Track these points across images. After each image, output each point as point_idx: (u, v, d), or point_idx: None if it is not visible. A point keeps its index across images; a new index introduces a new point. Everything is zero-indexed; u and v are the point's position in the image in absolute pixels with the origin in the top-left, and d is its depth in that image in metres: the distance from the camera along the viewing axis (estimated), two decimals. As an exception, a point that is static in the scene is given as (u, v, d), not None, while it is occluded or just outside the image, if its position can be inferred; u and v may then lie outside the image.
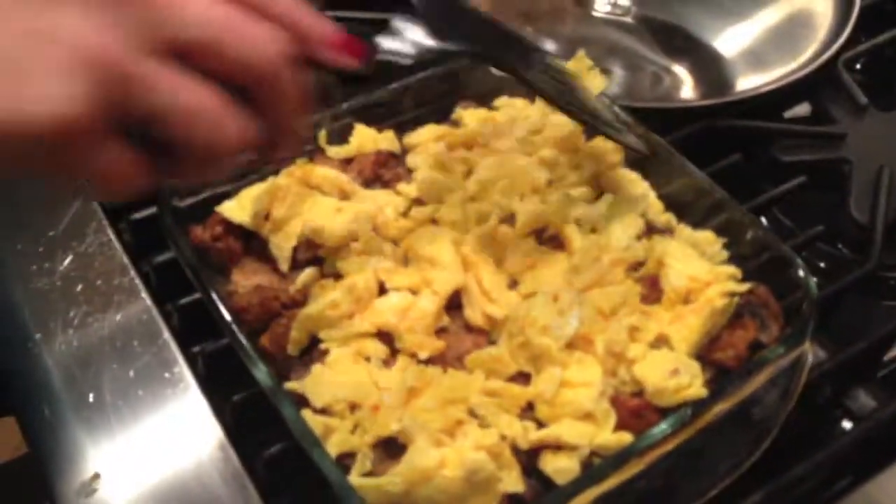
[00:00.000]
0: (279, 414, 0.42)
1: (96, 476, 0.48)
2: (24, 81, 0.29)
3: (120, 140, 0.32)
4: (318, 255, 0.49)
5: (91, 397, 0.51)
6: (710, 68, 0.75)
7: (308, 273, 0.47)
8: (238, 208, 0.51)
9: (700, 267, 0.48)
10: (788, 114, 0.72)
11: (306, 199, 0.49)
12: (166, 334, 0.53)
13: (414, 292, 0.46)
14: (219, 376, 0.51)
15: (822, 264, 0.65)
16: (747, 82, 0.71)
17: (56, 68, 0.29)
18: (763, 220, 0.67)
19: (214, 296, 0.45)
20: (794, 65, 0.70)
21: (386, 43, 0.43)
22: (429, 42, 0.44)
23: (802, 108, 0.73)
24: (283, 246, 0.49)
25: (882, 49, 0.75)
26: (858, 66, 0.78)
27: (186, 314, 0.54)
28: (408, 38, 0.43)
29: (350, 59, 0.39)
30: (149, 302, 0.55)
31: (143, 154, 0.33)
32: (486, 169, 0.51)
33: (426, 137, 0.54)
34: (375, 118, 0.58)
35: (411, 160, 0.53)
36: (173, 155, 0.33)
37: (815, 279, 0.47)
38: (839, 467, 0.50)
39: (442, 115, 0.58)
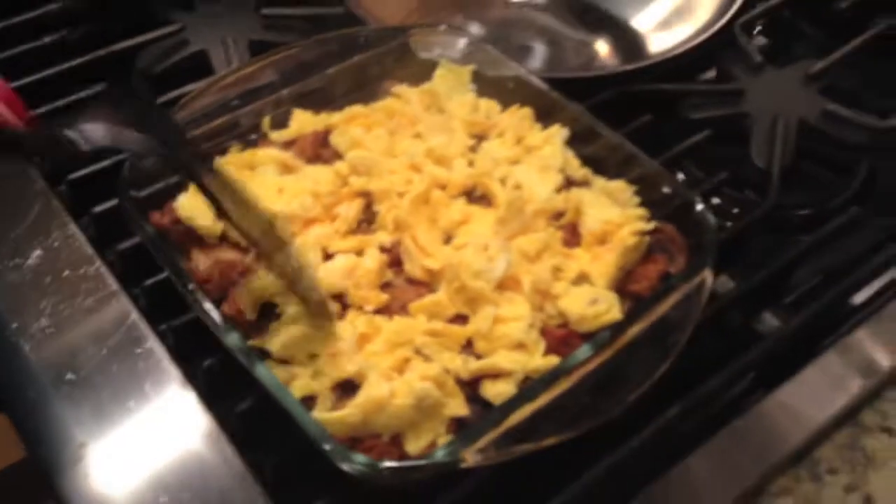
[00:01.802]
0: (247, 371, 0.47)
1: (82, 445, 0.52)
2: None
3: None
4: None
5: (69, 375, 0.55)
6: (622, 39, 0.81)
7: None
8: (192, 203, 0.55)
9: (613, 212, 0.53)
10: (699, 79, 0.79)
11: (250, 182, 0.54)
12: (134, 314, 0.58)
13: (358, 254, 0.51)
14: (187, 347, 0.56)
15: (735, 210, 0.72)
16: (655, 49, 0.78)
17: None
18: (679, 173, 0.74)
19: (179, 268, 0.49)
20: (695, 31, 0.77)
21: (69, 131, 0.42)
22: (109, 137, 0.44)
23: (711, 75, 0.80)
24: (237, 225, 0.54)
25: (776, 11, 0.82)
26: (758, 30, 0.85)
27: (152, 294, 0.58)
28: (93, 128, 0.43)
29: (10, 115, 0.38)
30: (115, 287, 0.59)
31: None
32: (412, 145, 0.56)
33: (342, 118, 0.59)
34: (313, 103, 0.63)
35: (334, 140, 0.58)
36: None
37: (712, 214, 0.53)
38: (748, 378, 0.56)
39: (371, 96, 0.63)
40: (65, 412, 0.54)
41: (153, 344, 0.56)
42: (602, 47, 0.80)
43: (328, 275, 0.50)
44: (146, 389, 0.55)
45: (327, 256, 0.52)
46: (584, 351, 0.46)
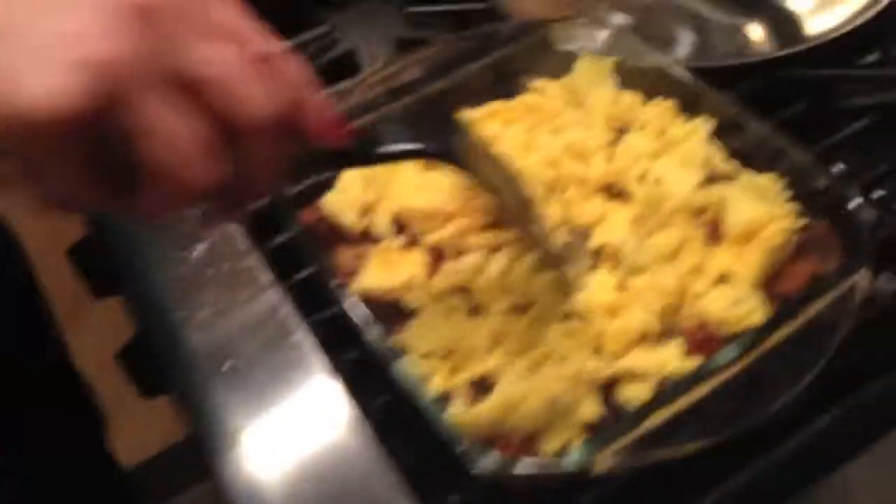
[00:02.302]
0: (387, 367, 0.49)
1: (237, 429, 0.56)
2: (20, 65, 0.29)
3: (91, 152, 0.32)
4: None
5: (226, 366, 0.59)
6: (775, 22, 0.77)
7: (399, 240, 0.54)
8: (339, 199, 0.57)
9: (758, 208, 0.51)
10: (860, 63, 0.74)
11: (393, 180, 0.56)
12: (286, 307, 0.61)
13: (493, 251, 0.51)
14: (334, 340, 0.58)
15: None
16: (811, 32, 0.74)
17: (58, 60, 0.29)
18: (839, 165, 0.70)
19: (324, 264, 0.52)
20: (855, 11, 0.72)
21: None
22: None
23: (875, 57, 0.75)
24: (380, 225, 0.56)
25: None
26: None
27: (302, 289, 0.61)
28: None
29: (337, 139, 0.38)
30: (269, 280, 0.62)
31: (104, 175, 0.33)
32: (550, 140, 0.56)
33: (482, 115, 0.59)
34: (455, 100, 0.64)
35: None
36: (129, 183, 0.33)
37: (871, 209, 0.50)
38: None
39: (512, 91, 0.64)
40: (222, 398, 0.57)
41: (302, 335, 0.59)
42: (754, 31, 0.77)
43: (457, 270, 0.51)
44: (295, 379, 0.58)
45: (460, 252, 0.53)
46: (725, 354, 0.45)
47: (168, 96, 0.32)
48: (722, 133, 0.58)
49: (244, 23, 0.36)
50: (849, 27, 0.69)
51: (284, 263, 0.63)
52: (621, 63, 0.63)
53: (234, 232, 0.65)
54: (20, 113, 0.29)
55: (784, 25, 0.76)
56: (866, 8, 0.71)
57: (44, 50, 0.30)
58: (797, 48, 0.70)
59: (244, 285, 0.63)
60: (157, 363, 0.63)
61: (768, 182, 0.53)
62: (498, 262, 0.50)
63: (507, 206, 0.49)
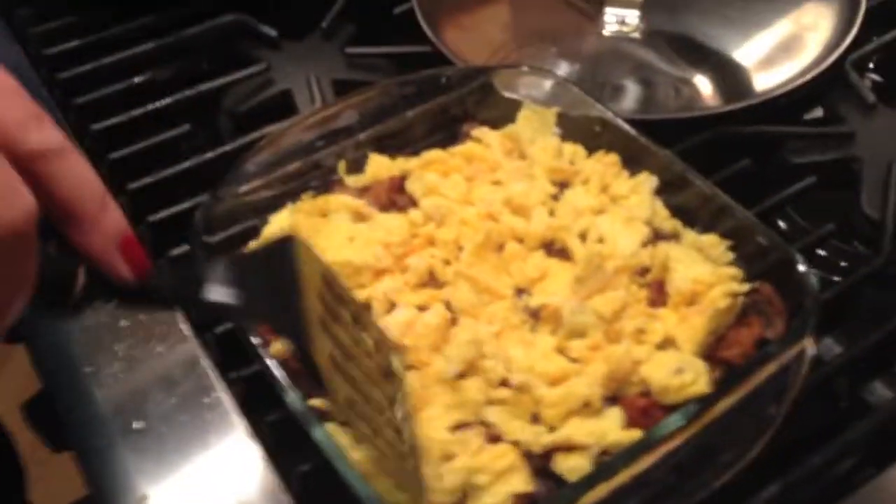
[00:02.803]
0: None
1: (143, 497, 0.51)
2: None
3: None
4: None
5: (136, 424, 0.54)
6: (722, 76, 0.76)
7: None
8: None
9: (703, 269, 0.49)
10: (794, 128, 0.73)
11: (322, 229, 0.52)
12: (204, 362, 0.57)
13: (422, 309, 0.48)
14: (256, 399, 0.54)
15: (842, 264, 0.66)
16: (758, 87, 0.73)
17: None
18: (780, 222, 0.69)
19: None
20: (801, 69, 0.72)
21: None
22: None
23: (817, 113, 0.75)
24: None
25: (892, 48, 0.76)
26: (871, 66, 0.79)
27: (223, 342, 0.57)
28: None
29: (125, 269, 0.34)
30: (187, 332, 0.58)
31: None
32: (490, 192, 0.53)
33: (419, 164, 0.57)
34: (392, 146, 0.61)
35: (409, 186, 0.56)
36: None
37: (816, 274, 0.48)
38: (856, 457, 0.51)
39: (452, 139, 0.61)
40: (129, 461, 0.53)
41: (222, 394, 0.55)
42: (700, 85, 0.76)
43: (388, 328, 0.48)
44: (211, 441, 0.53)
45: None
46: (668, 424, 0.42)
47: None
48: (665, 190, 0.56)
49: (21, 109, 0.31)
50: (795, 84, 0.69)
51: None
52: (564, 114, 0.61)
53: (153, 280, 0.61)
54: None
55: (731, 80, 0.75)
56: (813, 65, 0.70)
57: None
58: (743, 104, 0.69)
59: (160, 338, 0.59)
60: (63, 418, 0.58)
61: (712, 242, 0.51)
62: (434, 316, 0.47)
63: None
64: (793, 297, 0.49)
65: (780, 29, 0.78)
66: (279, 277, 0.40)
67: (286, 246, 0.41)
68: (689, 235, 0.53)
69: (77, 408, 0.57)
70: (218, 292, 0.38)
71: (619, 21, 0.79)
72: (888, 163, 0.65)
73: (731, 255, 0.52)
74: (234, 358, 0.56)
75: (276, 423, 0.52)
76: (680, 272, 0.49)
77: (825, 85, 0.71)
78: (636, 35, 0.80)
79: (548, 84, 0.63)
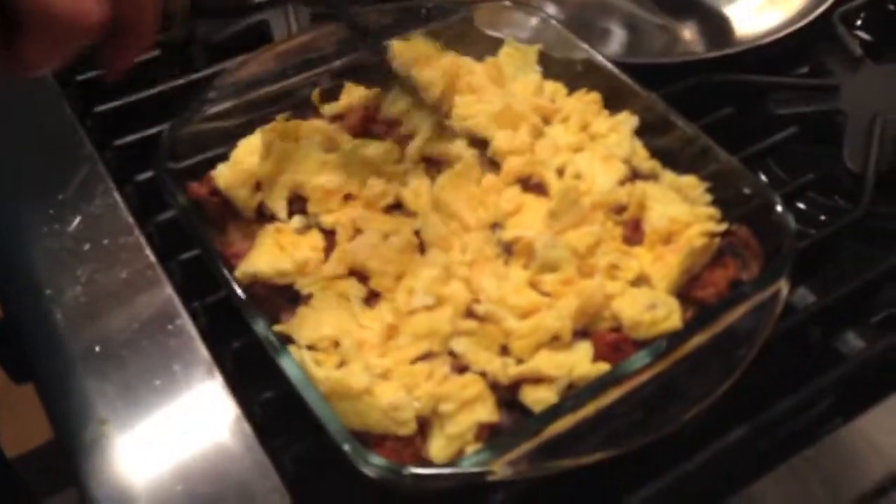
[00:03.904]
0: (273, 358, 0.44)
1: (104, 421, 0.50)
2: None
3: None
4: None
5: (98, 348, 0.53)
6: (708, 25, 0.75)
7: (296, 221, 0.49)
8: (231, 172, 0.52)
9: (681, 209, 0.49)
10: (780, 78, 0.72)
11: (293, 155, 0.51)
12: (169, 289, 0.55)
13: (392, 234, 0.47)
14: (219, 327, 0.53)
15: (821, 217, 0.65)
16: (744, 37, 0.72)
17: None
18: (760, 174, 0.68)
19: (210, 244, 0.47)
20: (787, 19, 0.71)
21: None
22: None
23: (803, 69, 0.74)
24: (275, 200, 0.51)
25: (880, 3, 0.75)
26: (859, 22, 0.78)
27: (188, 270, 0.56)
28: None
29: None
30: (152, 259, 0.57)
31: None
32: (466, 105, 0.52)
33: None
34: (368, 76, 0.59)
35: (384, 109, 0.55)
36: (20, 32, 0.32)
37: (794, 218, 0.48)
38: (825, 404, 0.50)
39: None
40: (90, 385, 0.52)
41: (185, 321, 0.54)
42: (686, 33, 0.75)
43: (353, 250, 0.46)
44: (174, 369, 0.52)
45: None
46: (637, 359, 0.42)
47: None
48: (646, 131, 0.55)
49: None
50: (779, 34, 0.68)
51: (171, 241, 0.58)
52: (546, 53, 0.60)
53: (117, 205, 0.60)
54: None
55: (716, 29, 0.74)
56: (799, 16, 0.69)
57: None
58: (728, 51, 0.68)
59: (123, 263, 0.57)
60: (23, 345, 0.57)
61: (691, 183, 0.50)
62: (400, 240, 0.46)
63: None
64: (770, 242, 0.48)
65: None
66: None
67: None
68: (668, 176, 0.52)
69: (38, 332, 0.56)
70: None
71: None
72: (871, 117, 0.64)
73: (709, 198, 0.51)
74: (196, 287, 0.55)
75: (238, 350, 0.51)
76: (657, 210, 0.48)
77: (812, 38, 0.70)
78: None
79: (531, 22, 0.61)
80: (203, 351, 0.52)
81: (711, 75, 0.66)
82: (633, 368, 0.41)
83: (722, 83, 0.67)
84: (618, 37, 0.74)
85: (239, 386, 0.50)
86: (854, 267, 0.59)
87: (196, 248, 0.54)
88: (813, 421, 0.51)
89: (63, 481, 1.31)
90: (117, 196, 0.60)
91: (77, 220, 0.59)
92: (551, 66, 0.60)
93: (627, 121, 0.54)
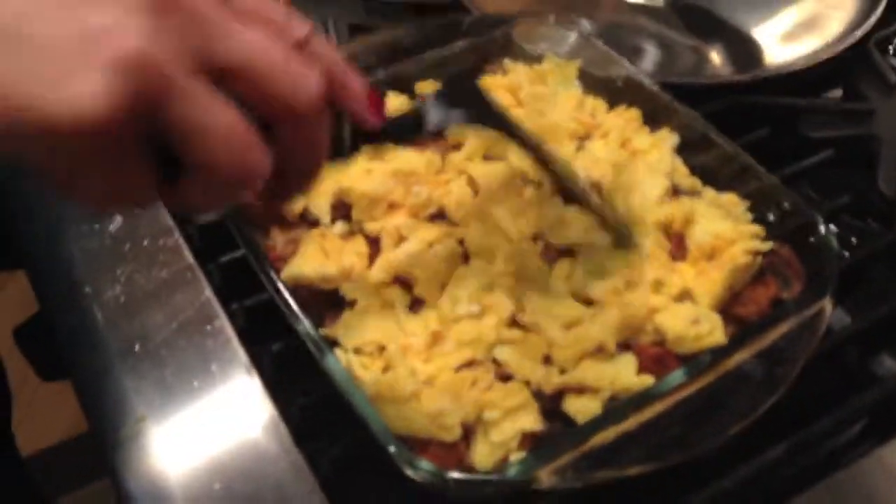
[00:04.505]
0: (315, 359, 0.44)
1: (142, 418, 0.50)
2: (50, 70, 0.28)
3: (138, 151, 0.30)
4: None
5: (137, 347, 0.54)
6: (740, 49, 0.76)
7: (339, 227, 0.49)
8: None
9: (725, 225, 0.49)
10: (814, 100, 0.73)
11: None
12: (208, 291, 0.56)
13: (437, 244, 0.48)
14: (257, 329, 0.54)
15: (853, 239, 0.66)
16: (778, 62, 0.72)
17: (90, 63, 0.28)
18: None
19: (256, 246, 0.47)
20: (823, 45, 0.71)
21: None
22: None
23: (836, 93, 0.74)
24: (319, 205, 0.51)
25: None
26: (891, 48, 0.78)
27: (226, 272, 0.56)
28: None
29: (374, 117, 0.38)
30: (191, 260, 0.57)
31: (153, 170, 0.31)
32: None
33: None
34: (407, 89, 0.60)
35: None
36: (184, 176, 0.32)
37: (835, 238, 0.48)
38: (861, 425, 0.50)
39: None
40: (128, 383, 0.52)
41: (223, 323, 0.54)
42: (719, 55, 0.75)
43: (398, 258, 0.47)
44: (212, 369, 0.52)
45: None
46: (681, 374, 0.42)
47: (210, 86, 0.30)
48: (686, 148, 0.55)
49: (270, 2, 0.34)
50: (816, 60, 0.68)
51: (210, 243, 0.58)
52: (587, 70, 0.60)
53: (157, 205, 0.60)
54: (51, 123, 0.28)
55: (750, 53, 0.75)
56: (835, 42, 0.70)
57: (69, 51, 0.28)
58: (762, 74, 0.69)
59: (164, 264, 0.58)
60: (59, 341, 0.57)
61: (732, 201, 0.51)
62: (444, 248, 0.46)
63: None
64: (811, 261, 0.49)
65: (804, 6, 0.78)
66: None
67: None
68: (709, 193, 0.52)
69: (76, 329, 0.56)
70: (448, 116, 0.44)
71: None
72: (906, 142, 0.64)
73: (750, 215, 0.51)
74: (234, 289, 0.55)
75: (277, 353, 0.52)
76: (702, 226, 0.48)
77: (846, 64, 0.71)
78: (658, 3, 0.79)
79: (570, 38, 0.62)
80: (241, 352, 0.53)
81: (745, 97, 0.67)
82: (677, 382, 0.42)
83: (755, 105, 0.67)
84: (650, 55, 0.75)
85: (277, 388, 0.51)
86: (886, 290, 0.59)
87: (237, 251, 0.55)
88: (851, 441, 0.51)
89: (76, 482, 1.31)
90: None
91: (117, 220, 0.60)
92: (590, 84, 0.61)
93: (668, 138, 0.55)
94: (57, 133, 0.28)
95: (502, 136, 0.46)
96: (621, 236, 0.48)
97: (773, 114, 0.67)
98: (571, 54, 0.62)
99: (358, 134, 0.39)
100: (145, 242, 0.59)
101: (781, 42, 0.75)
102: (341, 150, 0.39)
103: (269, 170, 0.32)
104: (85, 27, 0.28)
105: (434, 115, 0.43)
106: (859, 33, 0.70)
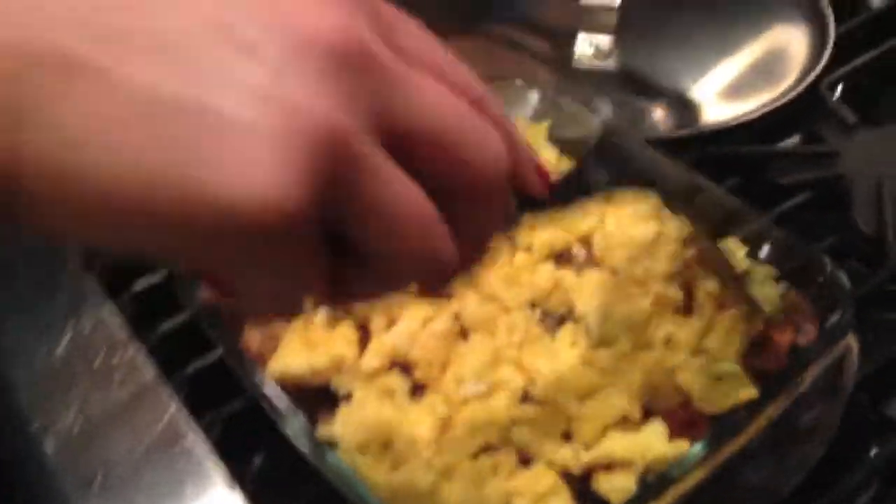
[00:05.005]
0: (301, 469, 0.40)
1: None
2: (224, 147, 0.22)
3: (319, 243, 0.24)
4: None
5: (96, 483, 0.47)
6: (692, 106, 0.75)
7: (323, 315, 0.45)
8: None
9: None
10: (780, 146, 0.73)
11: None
12: (174, 406, 0.50)
13: (430, 321, 0.44)
14: (235, 440, 0.48)
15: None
16: (734, 113, 0.72)
17: (269, 136, 0.22)
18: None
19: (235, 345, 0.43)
20: (775, 95, 0.71)
21: None
22: None
23: (793, 141, 0.74)
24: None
25: (860, 70, 0.76)
26: (839, 91, 0.79)
27: (195, 381, 0.51)
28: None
29: (544, 187, 0.33)
30: (153, 374, 0.52)
31: (331, 265, 0.25)
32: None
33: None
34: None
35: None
36: (355, 266, 0.26)
37: (844, 274, 0.46)
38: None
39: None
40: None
41: (195, 439, 0.49)
42: (670, 112, 0.75)
43: (392, 340, 0.43)
44: (186, 492, 0.47)
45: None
46: (719, 433, 0.38)
47: (391, 159, 0.24)
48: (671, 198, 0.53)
49: (437, 49, 0.28)
50: (771, 107, 0.68)
51: (172, 353, 0.53)
52: (553, 130, 0.58)
53: (109, 318, 0.55)
54: (229, 216, 0.21)
55: (693, 110, 0.74)
56: (788, 90, 0.70)
57: (238, 127, 0.22)
58: (719, 125, 0.69)
59: (121, 383, 0.52)
60: (12, 480, 0.51)
61: (734, 246, 0.48)
62: (440, 324, 0.42)
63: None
64: (821, 302, 0.46)
65: (750, 60, 0.78)
66: None
67: None
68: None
69: (25, 469, 0.50)
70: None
71: (592, 48, 0.77)
72: (877, 179, 0.63)
73: (748, 262, 0.49)
74: (205, 400, 0.50)
75: (257, 467, 0.47)
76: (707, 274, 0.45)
77: (801, 109, 0.71)
78: (609, 64, 0.78)
79: (533, 100, 0.60)
80: (218, 469, 0.47)
81: (711, 147, 0.66)
82: (717, 444, 0.38)
83: (721, 156, 0.66)
84: (605, 114, 0.74)
85: (264, 501, 0.45)
86: (883, 331, 0.57)
87: (207, 356, 0.50)
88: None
89: None
90: (111, 308, 0.56)
91: (67, 338, 0.54)
92: (559, 143, 0.58)
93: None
94: (235, 227, 0.22)
95: None
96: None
97: (742, 163, 0.67)
98: (536, 116, 0.60)
99: (524, 202, 0.34)
100: (98, 361, 0.53)
101: (734, 97, 0.74)
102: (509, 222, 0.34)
103: (457, 257, 0.27)
104: (255, 83, 0.22)
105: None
106: (810, 78, 0.70)
